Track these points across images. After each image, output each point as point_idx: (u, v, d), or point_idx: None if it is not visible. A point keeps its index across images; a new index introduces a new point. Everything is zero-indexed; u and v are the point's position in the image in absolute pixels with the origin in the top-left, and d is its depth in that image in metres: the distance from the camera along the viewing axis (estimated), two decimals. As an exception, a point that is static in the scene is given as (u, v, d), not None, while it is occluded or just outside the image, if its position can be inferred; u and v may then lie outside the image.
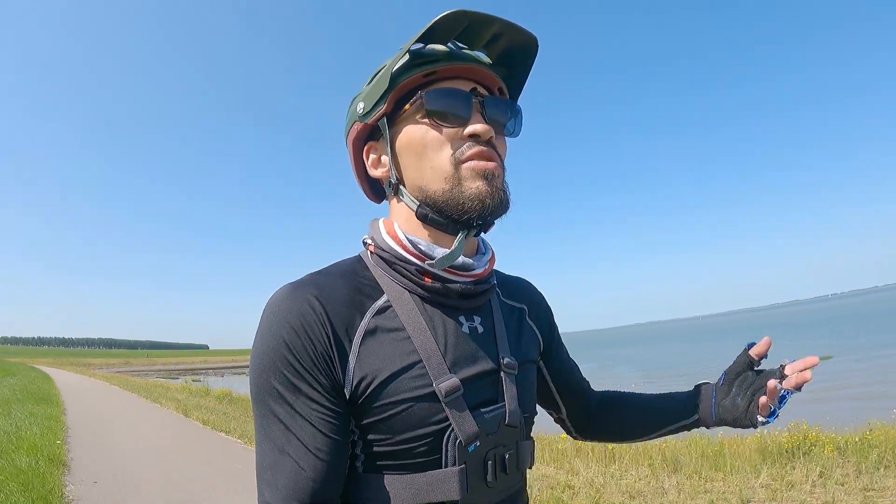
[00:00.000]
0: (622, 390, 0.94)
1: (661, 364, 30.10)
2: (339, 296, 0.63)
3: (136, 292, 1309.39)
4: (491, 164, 0.64)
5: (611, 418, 0.91)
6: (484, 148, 0.65)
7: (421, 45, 0.66)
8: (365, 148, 0.73)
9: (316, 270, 0.68)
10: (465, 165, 0.64)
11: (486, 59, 0.70)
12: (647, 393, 0.92)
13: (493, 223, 0.69)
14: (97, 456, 6.26)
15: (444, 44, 0.67)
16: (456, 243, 0.65)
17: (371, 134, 0.71)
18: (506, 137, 0.71)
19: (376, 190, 0.78)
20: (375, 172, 0.72)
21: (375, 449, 0.61)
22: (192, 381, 25.48)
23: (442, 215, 0.65)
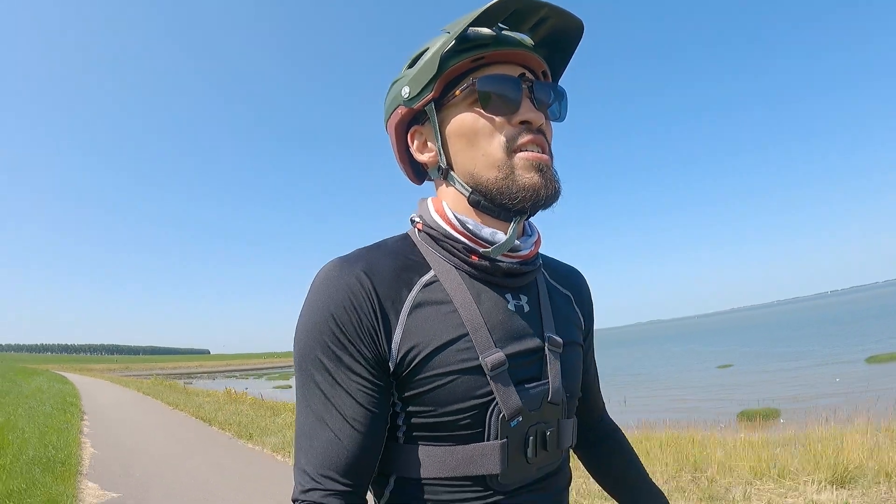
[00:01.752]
0: (630, 447, 0.88)
1: (620, 368, 29.60)
2: (387, 271, 0.64)
3: (140, 298, 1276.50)
4: (545, 157, 0.65)
5: (604, 457, 0.88)
6: (537, 135, 0.65)
7: (466, 28, 0.63)
8: (410, 132, 0.72)
9: (364, 246, 0.69)
10: (518, 155, 0.64)
11: (530, 42, 0.68)
12: (643, 470, 0.86)
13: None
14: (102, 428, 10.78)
15: (490, 27, 0.65)
16: (510, 231, 0.66)
17: (415, 118, 0.71)
18: (552, 122, 0.70)
19: (417, 172, 0.77)
20: (422, 157, 0.71)
21: (418, 420, 0.62)
22: (185, 383, 29.69)
23: (494, 203, 0.65)
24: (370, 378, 0.61)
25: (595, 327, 0.87)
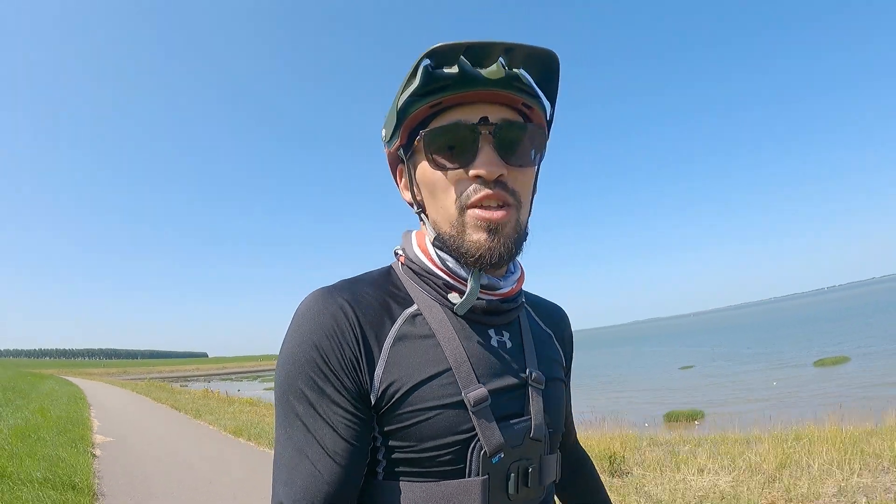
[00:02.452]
0: (597, 474, 0.93)
1: (587, 370, 29.90)
2: (371, 302, 0.64)
3: (139, 301, 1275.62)
4: (496, 215, 0.61)
5: (571, 486, 0.90)
6: (490, 191, 0.61)
7: (430, 65, 0.59)
8: (398, 169, 0.72)
9: (348, 277, 0.68)
10: (469, 213, 0.62)
11: (500, 75, 0.61)
12: (608, 500, 0.91)
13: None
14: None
15: (451, 65, 0.60)
16: (469, 285, 0.64)
17: (400, 157, 0.70)
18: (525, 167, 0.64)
19: None
20: (404, 196, 0.71)
21: (398, 456, 0.61)
22: (181, 385, 33.49)
23: (451, 255, 0.65)
24: (352, 411, 0.59)
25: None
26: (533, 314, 0.80)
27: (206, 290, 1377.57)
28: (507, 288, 0.69)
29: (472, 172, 0.61)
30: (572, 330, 0.88)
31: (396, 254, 0.74)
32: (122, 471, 5.88)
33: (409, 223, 0.76)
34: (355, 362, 0.60)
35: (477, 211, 0.61)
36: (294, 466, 0.59)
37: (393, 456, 0.62)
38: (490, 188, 0.61)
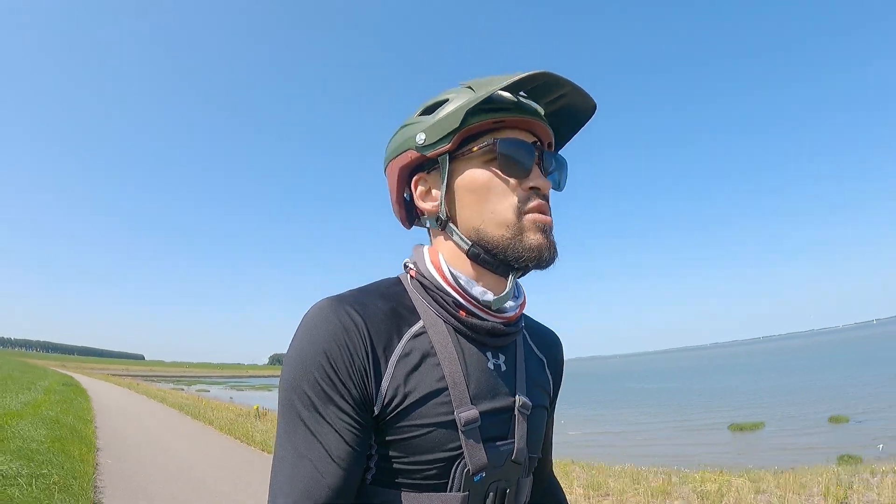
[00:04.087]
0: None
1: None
2: (380, 316, 0.66)
3: (77, 296, 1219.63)
4: (549, 219, 0.69)
5: None
6: (543, 202, 0.69)
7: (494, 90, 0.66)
8: (414, 178, 0.74)
9: (357, 287, 0.70)
10: (527, 217, 0.67)
11: (542, 112, 0.73)
12: None
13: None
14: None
15: (512, 93, 0.70)
16: (509, 286, 0.69)
17: (421, 165, 0.72)
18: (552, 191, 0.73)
19: (409, 216, 0.79)
20: (423, 205, 0.73)
21: (388, 465, 0.64)
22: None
23: (495, 258, 0.68)
24: (356, 418, 0.62)
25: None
26: (528, 338, 0.82)
27: (144, 288, 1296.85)
28: (511, 312, 0.71)
29: (528, 184, 0.68)
30: (563, 356, 0.90)
31: (406, 266, 0.75)
32: None
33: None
34: (364, 372, 0.62)
35: (536, 215, 0.68)
36: (294, 470, 0.60)
37: (383, 465, 0.64)
38: (542, 199, 0.69)
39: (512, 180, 0.68)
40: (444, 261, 0.70)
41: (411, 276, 0.73)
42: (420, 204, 0.74)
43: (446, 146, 0.68)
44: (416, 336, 0.67)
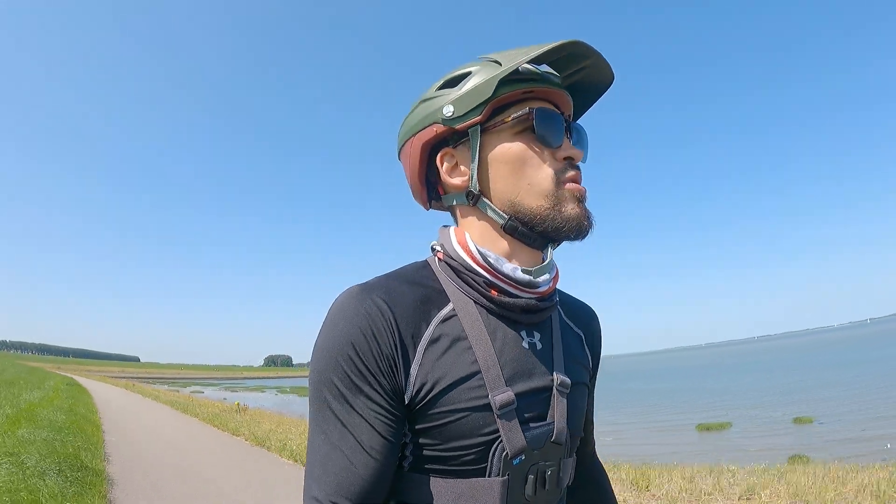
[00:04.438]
0: (611, 489, 0.92)
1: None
2: (407, 302, 0.65)
3: (72, 298, 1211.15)
4: (584, 189, 0.68)
5: (586, 498, 0.89)
6: (577, 171, 0.68)
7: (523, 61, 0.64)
8: (440, 154, 0.71)
9: (384, 274, 0.69)
10: (567, 186, 0.66)
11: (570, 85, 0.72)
12: None
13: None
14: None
15: (537, 64, 0.68)
16: (548, 257, 0.69)
17: (445, 140, 0.70)
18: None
19: (429, 197, 0.77)
20: (452, 180, 0.70)
21: (425, 452, 0.63)
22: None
23: (533, 230, 0.67)
24: (388, 407, 0.61)
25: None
26: (563, 315, 0.80)
27: (140, 290, 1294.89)
28: (544, 286, 0.69)
29: (568, 153, 0.67)
30: (601, 328, 0.87)
31: (434, 249, 0.74)
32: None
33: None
34: (392, 361, 0.61)
35: (573, 185, 0.67)
36: (328, 460, 0.60)
37: (419, 452, 0.64)
38: (576, 170, 0.68)
39: (547, 151, 0.67)
40: (472, 240, 0.68)
41: (439, 259, 0.72)
42: (448, 180, 0.71)
43: (477, 117, 0.66)
44: (445, 320, 0.66)
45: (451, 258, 0.69)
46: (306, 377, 0.68)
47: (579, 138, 0.71)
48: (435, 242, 0.74)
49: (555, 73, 0.71)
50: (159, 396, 22.19)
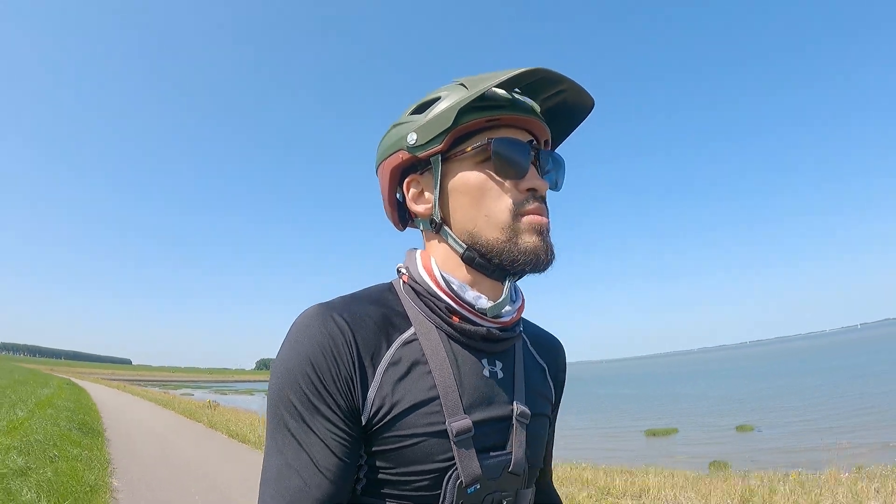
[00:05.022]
0: None
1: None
2: (369, 323, 0.64)
3: (63, 299, 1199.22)
4: (546, 221, 0.67)
5: None
6: (541, 204, 0.67)
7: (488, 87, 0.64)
8: (406, 180, 0.72)
9: (347, 294, 0.69)
10: (523, 219, 0.65)
11: (538, 109, 0.71)
12: None
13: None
14: None
15: (507, 90, 0.68)
16: (505, 292, 0.67)
17: (413, 166, 0.71)
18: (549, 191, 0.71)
19: (402, 218, 0.77)
20: (416, 207, 0.71)
21: (379, 476, 0.62)
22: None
23: (490, 262, 0.66)
24: (344, 428, 0.61)
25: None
26: (529, 345, 0.79)
27: (132, 293, 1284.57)
28: (508, 317, 0.69)
29: (524, 185, 0.66)
30: (566, 362, 0.87)
31: (399, 272, 0.74)
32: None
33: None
34: (350, 381, 0.61)
35: (532, 217, 0.66)
36: (282, 480, 0.59)
37: (373, 475, 0.63)
38: (539, 201, 0.67)
39: (507, 181, 0.66)
40: (437, 265, 0.69)
41: (403, 282, 0.71)
42: (412, 206, 0.72)
43: (438, 147, 0.66)
44: (406, 343, 0.65)
45: (416, 282, 0.69)
46: None
47: (552, 167, 0.72)
48: (401, 265, 0.74)
49: (526, 99, 0.70)
50: (146, 395, 25.90)
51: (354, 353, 0.62)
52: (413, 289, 0.70)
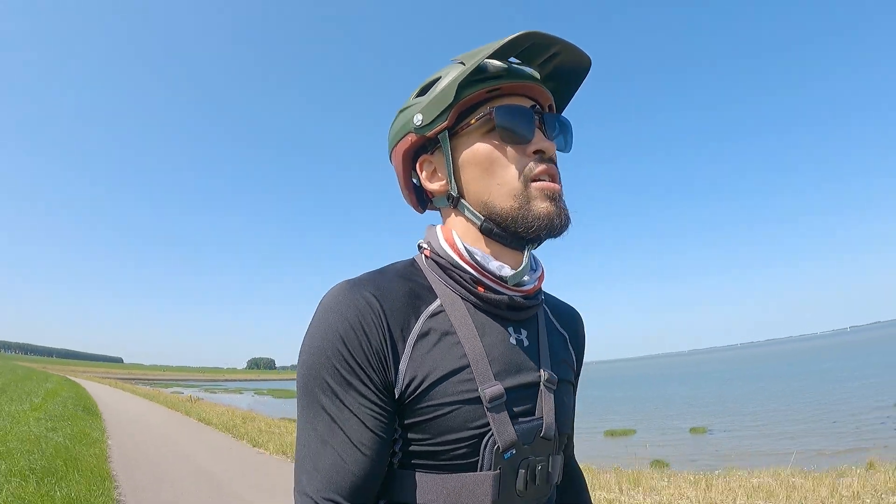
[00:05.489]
0: (587, 493, 0.92)
1: None
2: (397, 296, 0.65)
3: (55, 297, 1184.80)
4: (557, 186, 0.67)
5: (562, 497, 0.88)
6: (551, 165, 0.68)
7: (483, 59, 0.65)
8: (418, 161, 0.74)
9: (373, 270, 0.70)
10: (533, 185, 0.66)
11: (538, 75, 0.71)
12: None
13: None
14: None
15: (503, 60, 0.69)
16: (525, 259, 0.68)
17: (423, 147, 0.72)
18: (558, 153, 0.72)
19: (420, 200, 0.79)
20: (431, 186, 0.73)
21: (414, 448, 0.63)
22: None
23: (507, 231, 0.67)
24: (378, 402, 0.61)
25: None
26: (550, 314, 0.81)
27: (124, 291, 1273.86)
28: (530, 284, 0.71)
29: (535, 147, 0.67)
30: (585, 331, 0.88)
31: (420, 247, 0.75)
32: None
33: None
34: (381, 355, 0.62)
35: (541, 182, 0.66)
36: (317, 456, 0.60)
37: (409, 448, 0.63)
38: (548, 163, 0.67)
39: (514, 148, 0.67)
40: (459, 238, 0.70)
41: (426, 256, 0.73)
42: (428, 185, 0.74)
43: (444, 123, 0.68)
44: (433, 315, 0.66)
45: (439, 255, 0.71)
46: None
47: (559, 129, 0.73)
48: (422, 241, 0.75)
49: (521, 66, 0.71)
50: (135, 391, 28.99)
51: (385, 327, 0.63)
52: (436, 262, 0.71)
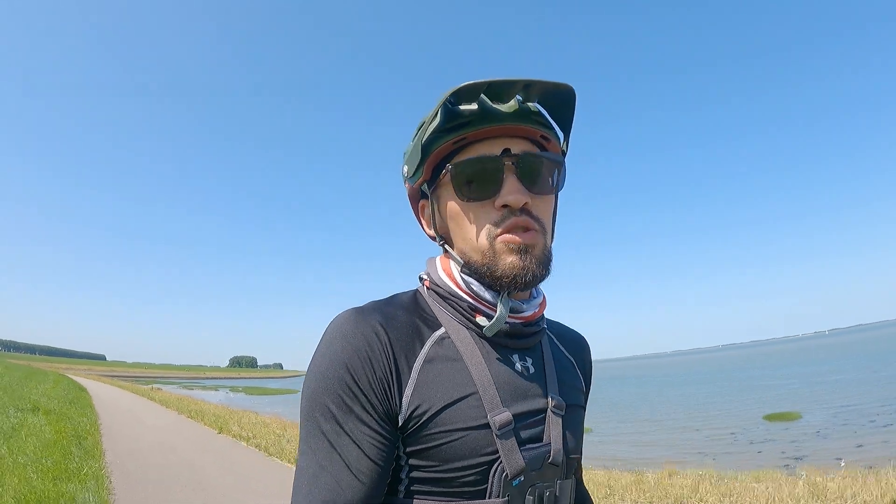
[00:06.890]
0: None
1: None
2: (402, 325, 0.66)
3: (42, 294, 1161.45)
4: (525, 237, 0.65)
5: None
6: (518, 219, 0.65)
7: (451, 103, 0.65)
8: (419, 205, 0.77)
9: (378, 299, 0.71)
10: (499, 239, 0.65)
11: (515, 109, 0.67)
12: None
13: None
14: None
15: (472, 102, 0.66)
16: (499, 309, 0.67)
17: (422, 191, 0.74)
18: (550, 194, 0.69)
19: None
20: (427, 231, 0.76)
21: (421, 475, 0.63)
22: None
23: (482, 281, 0.68)
24: (379, 430, 0.61)
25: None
26: (556, 341, 0.82)
27: (107, 288, 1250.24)
28: (529, 312, 0.71)
29: (499, 202, 0.65)
30: (591, 358, 0.89)
31: (421, 279, 0.76)
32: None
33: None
34: (386, 383, 0.62)
35: (507, 236, 0.65)
36: (315, 481, 0.60)
37: (415, 475, 0.63)
38: (517, 215, 0.65)
39: (479, 203, 0.67)
40: (456, 269, 0.71)
41: (426, 287, 0.74)
42: (424, 229, 0.77)
43: (421, 178, 0.70)
44: (439, 341, 0.67)
45: (437, 286, 0.72)
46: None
47: (537, 168, 0.67)
48: (422, 272, 0.77)
49: (495, 106, 0.67)
50: (114, 384, 36.38)
51: (390, 355, 0.63)
52: (436, 292, 0.72)
